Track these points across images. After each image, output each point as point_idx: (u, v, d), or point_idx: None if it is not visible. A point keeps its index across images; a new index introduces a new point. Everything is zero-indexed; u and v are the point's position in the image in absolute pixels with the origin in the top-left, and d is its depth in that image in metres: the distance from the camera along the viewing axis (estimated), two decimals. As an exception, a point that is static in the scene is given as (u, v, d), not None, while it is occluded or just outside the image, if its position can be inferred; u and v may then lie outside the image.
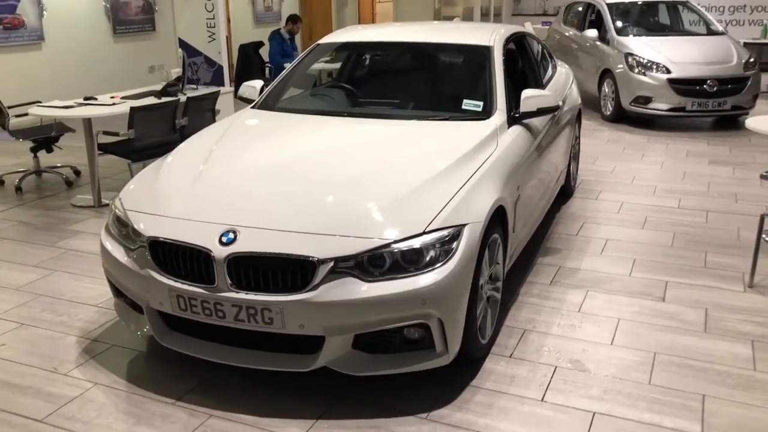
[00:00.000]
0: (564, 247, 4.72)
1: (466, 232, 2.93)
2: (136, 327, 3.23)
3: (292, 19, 9.32)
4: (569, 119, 5.33)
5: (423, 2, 16.04)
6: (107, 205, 5.66)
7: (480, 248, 3.01)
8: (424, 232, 2.83)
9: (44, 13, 9.28)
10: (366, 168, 3.23)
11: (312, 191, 3.05)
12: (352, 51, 4.77)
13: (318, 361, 2.83)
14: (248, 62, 9.26)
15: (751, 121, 4.89)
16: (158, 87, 6.33)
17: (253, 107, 4.24)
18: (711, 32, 9.24)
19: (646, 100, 8.38)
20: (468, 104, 3.92)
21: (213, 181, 3.25)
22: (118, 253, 3.15)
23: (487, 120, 3.76)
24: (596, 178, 6.40)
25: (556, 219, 5.28)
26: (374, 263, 2.78)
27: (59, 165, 6.65)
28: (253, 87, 4.45)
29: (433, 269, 2.80)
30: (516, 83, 4.39)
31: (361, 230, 2.82)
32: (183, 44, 7.28)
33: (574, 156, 5.87)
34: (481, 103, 3.92)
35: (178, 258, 2.91)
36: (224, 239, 2.83)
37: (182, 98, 5.88)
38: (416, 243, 2.81)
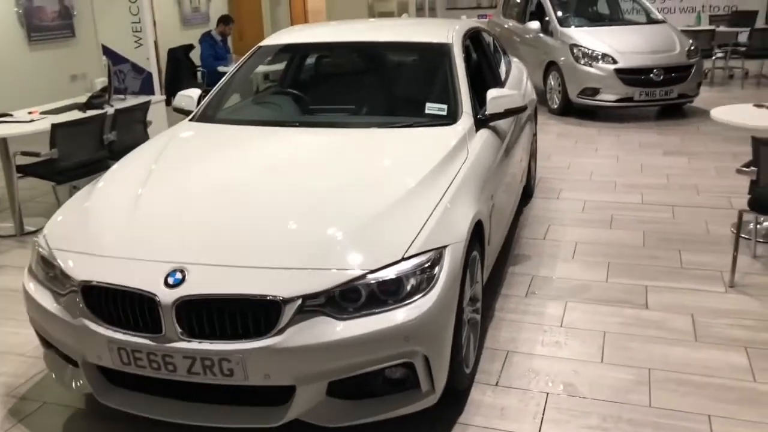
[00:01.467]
0: (533, 254, 4.46)
1: (447, 254, 2.60)
2: (71, 381, 2.78)
3: (224, 20, 8.83)
4: (528, 116, 5.08)
5: (356, -1, 15.70)
6: (32, 232, 5.11)
7: (462, 269, 2.70)
8: (403, 259, 2.49)
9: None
10: (329, 187, 2.86)
11: (270, 218, 2.67)
12: (297, 53, 4.38)
13: (288, 414, 2.46)
14: (179, 67, 8.74)
15: (716, 112, 4.74)
16: (82, 99, 5.78)
17: (191, 119, 3.81)
18: (651, 20, 9.20)
19: (594, 92, 8.25)
20: (431, 108, 3.60)
21: (153, 209, 2.82)
22: (45, 299, 2.70)
23: (453, 125, 3.45)
24: (554, 176, 6.19)
25: (521, 222, 5.03)
26: (348, 298, 2.43)
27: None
28: (189, 97, 4.01)
29: (415, 300, 2.47)
30: (476, 83, 4.10)
31: (330, 261, 2.46)
32: (107, 51, 6.72)
33: (532, 154, 5.63)
34: (445, 107, 3.60)
35: (117, 304, 2.49)
36: (170, 280, 2.43)
37: (110, 110, 5.37)
38: (394, 272, 2.46)
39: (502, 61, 5.25)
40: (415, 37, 4.05)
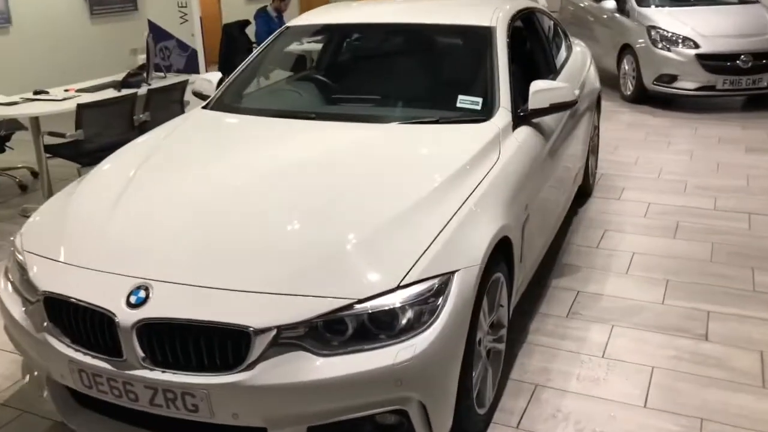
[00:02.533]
0: (583, 264, 3.98)
1: (456, 281, 2.21)
2: (43, 392, 2.53)
3: (279, -8, 8.50)
4: (588, 107, 4.56)
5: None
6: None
7: (477, 297, 2.30)
8: (399, 287, 2.11)
9: (10, -6, 8.53)
10: (328, 196, 2.49)
11: (254, 231, 2.33)
12: (327, 35, 4.01)
13: (261, 457, 2.13)
14: (233, 44, 8.47)
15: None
16: (120, 77, 5.59)
17: (205, 107, 3.51)
18: (743, 0, 8.34)
19: (671, 79, 7.54)
20: (464, 101, 3.17)
21: (131, 215, 2.52)
22: (14, 305, 2.46)
23: (487, 122, 3.01)
24: (618, 172, 5.62)
25: (573, 226, 4.54)
26: (332, 330, 2.07)
27: (19, 165, 5.95)
28: (208, 81, 3.70)
29: (412, 336, 2.09)
30: (525, 72, 3.64)
31: (313, 286, 2.10)
32: (153, 26, 6.52)
33: (592, 149, 5.09)
34: (480, 100, 3.16)
35: (78, 321, 2.22)
36: (133, 299, 2.13)
37: (142, 90, 5.16)
38: (388, 302, 2.09)
39: (563, 45, 4.74)
40: (454, 19, 3.60)
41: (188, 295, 2.12)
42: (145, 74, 5.57)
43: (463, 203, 2.46)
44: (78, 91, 5.41)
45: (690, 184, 5.29)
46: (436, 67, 3.59)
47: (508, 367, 2.98)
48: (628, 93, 8.14)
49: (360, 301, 2.07)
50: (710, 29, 7.52)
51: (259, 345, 2.02)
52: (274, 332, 2.03)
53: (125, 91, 5.25)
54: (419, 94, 3.42)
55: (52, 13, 9.00)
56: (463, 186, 2.56)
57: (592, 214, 4.76)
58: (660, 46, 7.61)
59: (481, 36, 3.42)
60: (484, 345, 2.56)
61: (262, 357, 2.03)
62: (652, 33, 7.69)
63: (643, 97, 7.93)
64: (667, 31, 7.60)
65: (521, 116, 3.16)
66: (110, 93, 5.29)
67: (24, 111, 4.83)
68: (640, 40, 7.82)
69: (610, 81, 8.75)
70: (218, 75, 3.76)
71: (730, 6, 8.23)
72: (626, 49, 8.15)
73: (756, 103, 7.79)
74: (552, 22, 4.66)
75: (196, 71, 6.43)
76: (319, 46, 4.44)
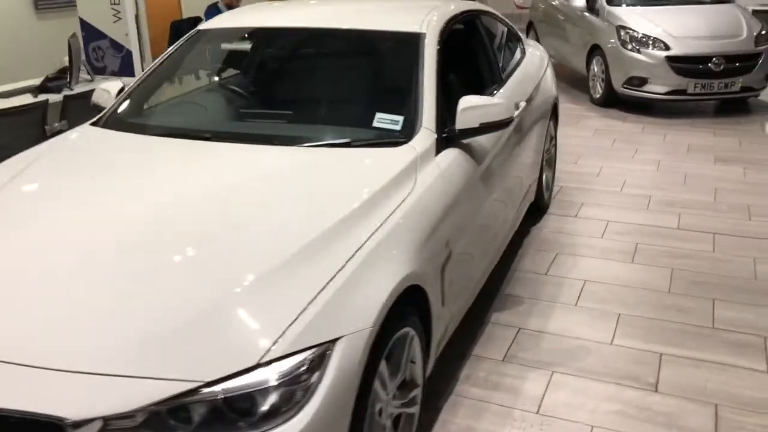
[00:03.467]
0: (528, 295, 3.60)
1: (338, 351, 1.82)
2: None
3: (232, -8, 8.05)
4: (540, 117, 4.19)
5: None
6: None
7: (371, 363, 1.92)
8: (259, 365, 1.72)
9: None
10: (199, 243, 2.07)
11: (99, 292, 1.91)
12: (243, 40, 3.59)
13: None
14: (183, 42, 8.03)
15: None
16: (37, 82, 5.15)
17: (93, 123, 3.08)
18: (717, 0, 8.00)
19: (641, 82, 7.19)
20: (382, 120, 2.77)
21: None
22: None
23: (405, 145, 2.62)
24: (578, 185, 5.26)
25: (523, 248, 4.16)
26: (177, 418, 1.68)
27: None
28: (107, 91, 3.28)
29: (279, 424, 1.70)
30: (464, 83, 3.26)
31: (152, 364, 1.70)
32: (84, 25, 6.06)
33: (548, 162, 4.72)
34: (400, 119, 2.76)
35: None
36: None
37: (55, 96, 4.72)
38: (245, 383, 1.70)
39: (517, 50, 4.35)
40: (381, 25, 3.19)
41: (1, 375, 1.71)
42: (68, 78, 5.12)
43: (358, 249, 2.06)
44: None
45: (654, 199, 4.93)
46: (356, 80, 3.18)
47: (427, 428, 2.59)
48: (597, 96, 7.78)
49: (208, 384, 1.67)
50: (681, 30, 7.17)
51: (79, 441, 1.62)
52: (99, 424, 1.63)
53: (42, 97, 4.80)
54: (335, 111, 3.01)
55: (-5, 7, 8.50)
56: (362, 227, 2.16)
57: (545, 233, 4.38)
58: (630, 47, 7.26)
59: (408, 44, 3.02)
60: (389, 413, 2.18)
61: None
62: (622, 33, 7.34)
63: (612, 101, 7.58)
64: (637, 32, 7.24)
65: (447, 138, 2.77)
66: (26, 99, 4.85)
67: None
68: (610, 41, 7.46)
69: (579, 83, 8.41)
70: (119, 84, 3.34)
71: (703, 6, 7.87)
72: (596, 50, 7.79)
73: (728, 109, 7.46)
74: (502, 25, 4.27)
75: (132, 74, 5.98)
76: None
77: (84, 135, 2.99)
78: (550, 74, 4.69)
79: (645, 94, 7.20)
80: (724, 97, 7.22)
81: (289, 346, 1.75)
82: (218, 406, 1.68)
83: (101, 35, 6.01)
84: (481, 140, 2.99)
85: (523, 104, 3.67)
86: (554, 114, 4.70)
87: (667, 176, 5.43)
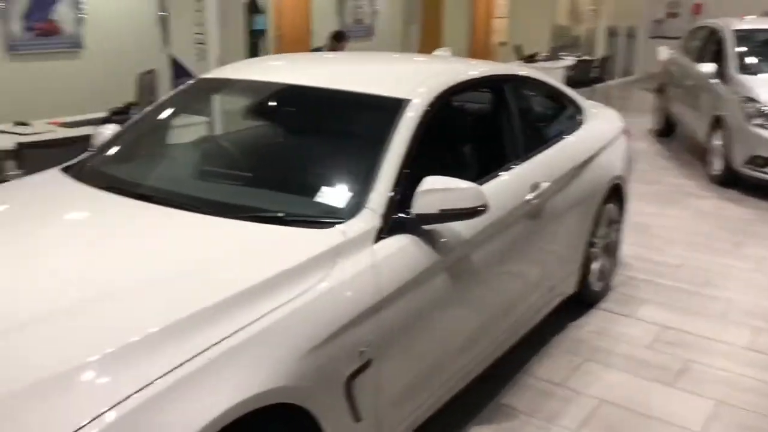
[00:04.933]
0: (525, 409, 3.05)
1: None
2: None
3: (337, 36, 8.04)
4: (585, 200, 3.65)
5: (539, 18, 14.31)
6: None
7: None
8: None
9: (83, 17, 8.66)
10: (8, 318, 1.82)
11: None
12: (231, 93, 3.39)
13: None
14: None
15: None
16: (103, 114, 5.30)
17: (64, 168, 2.98)
18: None
19: (765, 162, 6.27)
20: (326, 194, 2.44)
21: None
22: None
23: (333, 227, 2.26)
24: (650, 277, 4.56)
25: (549, 347, 3.60)
26: None
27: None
28: (104, 134, 3.23)
29: None
30: (461, 160, 2.87)
31: None
32: (174, 62, 6.23)
33: (606, 249, 4.12)
34: (346, 195, 2.42)
35: None
36: None
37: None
38: None
39: (564, 122, 3.84)
40: (366, 86, 2.86)
41: None
42: (130, 113, 5.22)
43: (205, 350, 1.73)
44: (63, 124, 5.16)
45: (737, 307, 4.15)
46: (320, 146, 2.85)
47: None
48: (714, 173, 6.90)
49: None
50: (820, 107, 6.19)
51: None
52: None
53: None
54: (285, 178, 2.69)
55: (126, 39, 9.05)
56: (229, 321, 1.82)
57: (582, 333, 3.78)
58: (756, 122, 6.37)
59: (386, 111, 2.66)
60: None
61: None
62: (748, 106, 6.46)
63: (731, 180, 6.68)
64: (766, 106, 6.34)
65: (400, 222, 2.38)
66: (89, 130, 4.98)
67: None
68: (734, 113, 6.60)
69: (700, 157, 7.53)
70: (114, 129, 3.26)
71: None
72: (718, 122, 6.93)
73: None
74: (548, 92, 3.79)
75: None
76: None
77: (41, 180, 2.90)
78: (616, 150, 4.10)
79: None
80: None
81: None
82: None
83: (186, 72, 6.13)
84: (456, 227, 2.56)
85: (545, 185, 3.18)
86: (616, 195, 4.10)
87: (766, 280, 4.58)
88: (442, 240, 2.50)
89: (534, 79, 3.65)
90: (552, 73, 10.26)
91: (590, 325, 3.88)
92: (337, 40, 8.00)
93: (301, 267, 2.07)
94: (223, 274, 2.01)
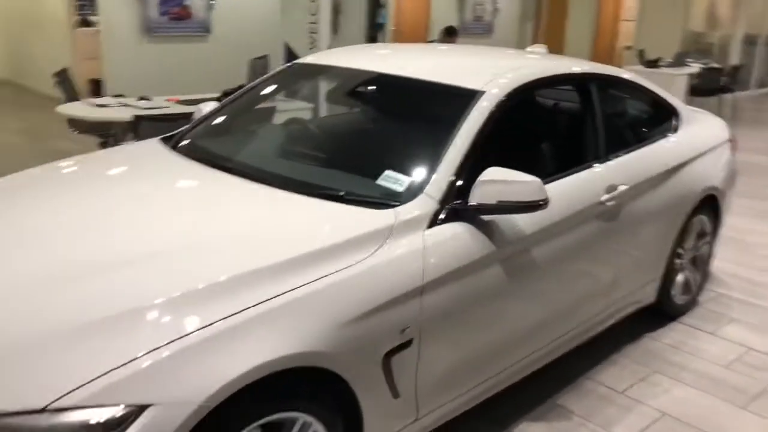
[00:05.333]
0: (581, 412, 3.01)
1: (143, 419, 1.65)
2: None
3: (448, 31, 8.09)
4: (672, 208, 3.52)
5: (670, 22, 13.69)
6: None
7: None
8: (46, 409, 1.62)
9: (213, 4, 9.20)
10: (98, 267, 2.02)
11: None
12: (320, 78, 3.54)
13: None
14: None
15: None
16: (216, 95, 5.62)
17: (162, 139, 3.24)
18: None
19: None
20: (389, 178, 2.51)
21: None
22: None
23: (388, 209, 2.34)
24: (742, 296, 4.32)
25: (618, 355, 3.51)
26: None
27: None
28: (200, 111, 3.48)
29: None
30: (533, 155, 2.89)
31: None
32: (287, 50, 6.51)
33: (695, 262, 3.96)
34: (407, 180, 2.49)
35: None
36: None
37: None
38: (30, 425, 1.62)
39: (657, 126, 3.71)
40: (445, 77, 2.91)
41: None
42: (241, 94, 5.52)
43: (244, 309, 1.88)
44: (179, 102, 5.54)
45: (834, 335, 3.87)
46: (393, 131, 2.94)
47: None
48: (840, 195, 6.39)
49: (3, 416, 1.63)
50: None
51: None
52: None
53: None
54: (357, 160, 2.80)
55: (249, 25, 9.52)
56: (271, 285, 1.96)
57: (656, 345, 3.66)
58: None
59: (459, 101, 2.71)
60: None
61: None
62: None
63: None
64: None
65: (456, 210, 2.43)
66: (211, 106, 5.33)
67: (96, 115, 5.03)
68: None
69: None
70: (213, 105, 3.50)
71: None
72: None
73: None
74: (642, 95, 3.68)
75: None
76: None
77: (141, 147, 3.18)
78: (715, 160, 3.92)
79: None
80: None
81: (88, 398, 1.64)
82: (10, 438, 1.63)
83: (296, 59, 6.38)
84: (517, 220, 2.58)
85: (623, 188, 3.11)
86: (710, 207, 3.92)
87: None
88: (499, 232, 2.53)
89: (625, 80, 3.56)
90: (674, 81, 9.85)
91: (667, 338, 3.74)
92: (449, 35, 8.05)
93: (350, 243, 2.17)
94: (280, 242, 2.15)
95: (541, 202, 2.43)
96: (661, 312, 3.85)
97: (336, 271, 2.08)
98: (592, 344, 3.45)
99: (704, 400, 3.19)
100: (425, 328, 2.28)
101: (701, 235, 3.96)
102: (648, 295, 3.64)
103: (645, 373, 3.37)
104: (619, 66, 12.57)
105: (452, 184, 2.45)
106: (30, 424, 1.61)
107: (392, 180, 2.50)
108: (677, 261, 3.79)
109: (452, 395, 2.54)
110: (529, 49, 4.08)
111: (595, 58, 14.54)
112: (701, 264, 4.07)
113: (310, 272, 2.05)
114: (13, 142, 7.75)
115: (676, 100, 3.93)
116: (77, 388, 1.64)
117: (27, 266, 2.07)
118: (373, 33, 11.53)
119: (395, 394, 2.25)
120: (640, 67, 10.59)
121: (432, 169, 2.48)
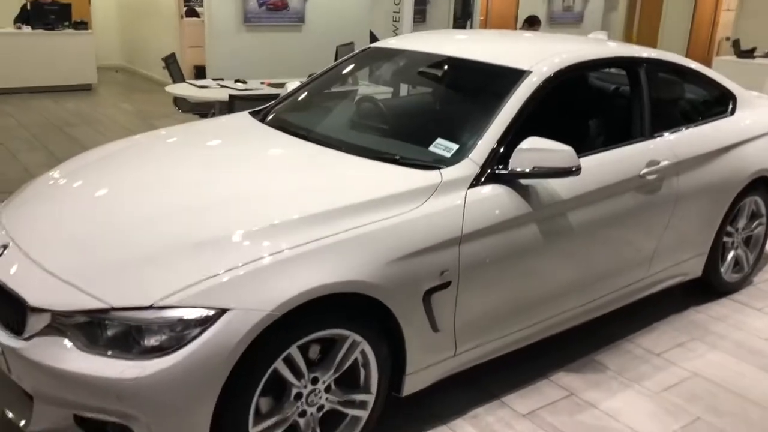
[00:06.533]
0: (615, 368, 3.29)
1: (224, 320, 2.12)
2: None
3: (530, 21, 8.30)
4: (719, 187, 3.70)
5: (771, 13, 13.19)
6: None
7: (271, 344, 2.21)
8: (152, 307, 2.11)
9: (308, -4, 9.73)
10: (184, 205, 2.53)
11: (109, 226, 2.47)
12: (381, 59, 3.93)
13: (32, 423, 2.31)
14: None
15: None
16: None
17: (251, 112, 3.73)
18: None
19: None
20: (439, 145, 2.89)
21: (47, 192, 2.88)
22: None
23: (434, 170, 2.72)
24: (802, 279, 4.42)
25: (661, 323, 3.74)
26: (92, 330, 2.17)
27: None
28: (286, 88, 3.96)
29: (146, 359, 2.09)
30: (575, 130, 3.18)
31: (89, 282, 2.21)
32: (372, 36, 6.94)
33: (748, 242, 4.11)
34: (455, 147, 2.85)
35: None
36: (-10, 252, 2.47)
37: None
38: (137, 317, 2.11)
39: (709, 109, 3.89)
40: (494, 57, 3.25)
41: (18, 259, 2.38)
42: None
43: (312, 241, 2.31)
44: (270, 85, 6.08)
45: None
46: (448, 106, 3.32)
47: (388, 441, 2.68)
48: None
49: (116, 309, 2.13)
50: None
51: (36, 322, 2.20)
52: (49, 314, 2.19)
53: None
54: (413, 130, 3.19)
55: (341, 15, 10.03)
56: (334, 223, 2.39)
57: (702, 316, 3.86)
58: None
59: (508, 79, 3.05)
60: (313, 402, 2.40)
61: (40, 333, 2.20)
62: None
63: None
64: None
65: (496, 175, 2.77)
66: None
67: (198, 94, 5.62)
68: None
69: None
70: (296, 83, 3.97)
71: None
72: None
73: None
74: (694, 78, 3.87)
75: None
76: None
77: (233, 118, 3.69)
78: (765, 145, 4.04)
79: None
80: None
81: (183, 299, 2.11)
82: (120, 331, 2.13)
83: (380, 46, 6.81)
84: (555, 186, 2.90)
85: (665, 163, 3.35)
86: (765, 190, 4.05)
87: None
88: (536, 195, 2.85)
89: (678, 65, 3.75)
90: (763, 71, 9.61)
91: (713, 311, 3.93)
92: (530, 25, 8.27)
93: (401, 196, 2.57)
94: (343, 192, 2.57)
95: (573, 169, 2.74)
96: (710, 288, 4.03)
97: (387, 218, 2.48)
98: (637, 311, 3.71)
99: (739, 366, 3.39)
100: (462, 274, 2.64)
101: (755, 216, 4.10)
102: (694, 269, 3.83)
103: (684, 339, 3.60)
104: (711, 57, 12.32)
105: (494, 151, 2.80)
106: (138, 317, 2.10)
107: (442, 147, 2.87)
108: (727, 239, 3.96)
109: (489, 338, 2.88)
110: (591, 35, 4.33)
111: (691, 48, 14.25)
112: (755, 244, 4.21)
113: (365, 217, 2.46)
114: (127, 120, 8.58)
115: (733, 85, 4.08)
116: (176, 292, 2.12)
117: (148, 204, 2.58)
118: (462, 23, 11.80)
119: (435, 329, 2.63)
120: (733, 58, 10.39)
121: (477, 138, 2.84)
